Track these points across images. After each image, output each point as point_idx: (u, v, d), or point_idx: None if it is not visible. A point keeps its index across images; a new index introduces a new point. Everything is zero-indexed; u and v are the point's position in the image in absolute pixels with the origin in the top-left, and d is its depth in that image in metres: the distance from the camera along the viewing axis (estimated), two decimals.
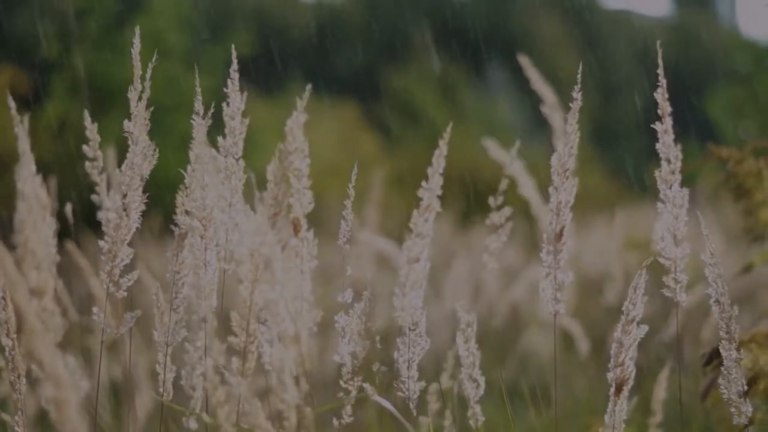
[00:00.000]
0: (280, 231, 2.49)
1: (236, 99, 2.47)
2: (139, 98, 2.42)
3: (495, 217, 2.96)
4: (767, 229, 3.42)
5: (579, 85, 2.42)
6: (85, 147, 2.61)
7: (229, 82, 2.45)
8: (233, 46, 2.51)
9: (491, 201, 2.95)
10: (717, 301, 2.41)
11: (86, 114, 2.58)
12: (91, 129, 2.59)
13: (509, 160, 3.96)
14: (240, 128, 2.47)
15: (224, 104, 2.47)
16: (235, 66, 2.47)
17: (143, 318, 2.61)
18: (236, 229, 2.35)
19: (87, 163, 2.62)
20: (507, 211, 2.94)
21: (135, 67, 2.42)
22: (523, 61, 4.49)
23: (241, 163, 2.46)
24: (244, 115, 2.48)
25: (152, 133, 2.48)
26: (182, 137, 2.47)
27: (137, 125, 2.42)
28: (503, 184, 2.97)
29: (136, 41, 2.43)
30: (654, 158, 2.46)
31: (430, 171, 2.47)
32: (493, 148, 4.02)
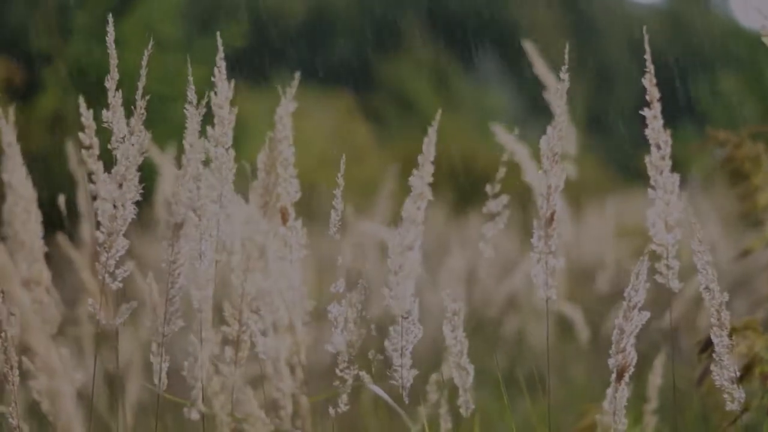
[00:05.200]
0: (270, 220, 2.48)
1: (224, 88, 2.45)
2: (117, 88, 2.41)
3: (492, 205, 2.94)
4: (765, 214, 3.42)
5: (566, 65, 2.41)
6: (81, 134, 2.57)
7: (215, 70, 2.44)
8: (218, 34, 2.49)
9: (488, 188, 2.93)
10: (707, 288, 2.41)
11: (81, 101, 2.55)
12: (87, 116, 2.55)
13: (512, 146, 3.95)
14: (229, 118, 2.46)
15: (212, 93, 2.45)
16: (221, 54, 2.46)
17: (138, 309, 2.60)
18: (228, 220, 2.34)
19: (83, 151, 2.58)
20: (504, 198, 2.92)
21: (111, 57, 2.40)
22: (528, 46, 4.48)
23: (231, 152, 2.44)
24: (234, 104, 2.46)
25: (148, 124, 2.46)
26: (178, 128, 2.45)
27: (116, 114, 2.41)
28: (501, 172, 2.94)
29: (110, 29, 2.41)
30: (645, 145, 2.45)
31: (420, 158, 2.45)
32: (499, 133, 4.00)
